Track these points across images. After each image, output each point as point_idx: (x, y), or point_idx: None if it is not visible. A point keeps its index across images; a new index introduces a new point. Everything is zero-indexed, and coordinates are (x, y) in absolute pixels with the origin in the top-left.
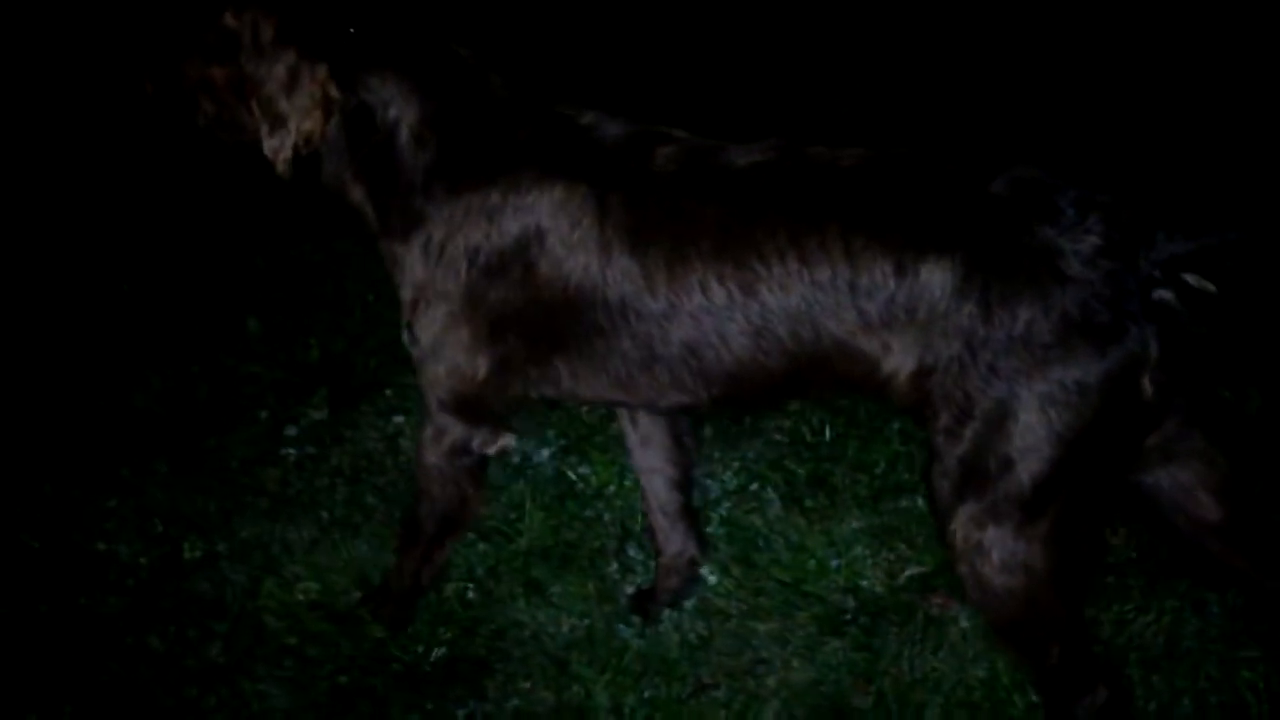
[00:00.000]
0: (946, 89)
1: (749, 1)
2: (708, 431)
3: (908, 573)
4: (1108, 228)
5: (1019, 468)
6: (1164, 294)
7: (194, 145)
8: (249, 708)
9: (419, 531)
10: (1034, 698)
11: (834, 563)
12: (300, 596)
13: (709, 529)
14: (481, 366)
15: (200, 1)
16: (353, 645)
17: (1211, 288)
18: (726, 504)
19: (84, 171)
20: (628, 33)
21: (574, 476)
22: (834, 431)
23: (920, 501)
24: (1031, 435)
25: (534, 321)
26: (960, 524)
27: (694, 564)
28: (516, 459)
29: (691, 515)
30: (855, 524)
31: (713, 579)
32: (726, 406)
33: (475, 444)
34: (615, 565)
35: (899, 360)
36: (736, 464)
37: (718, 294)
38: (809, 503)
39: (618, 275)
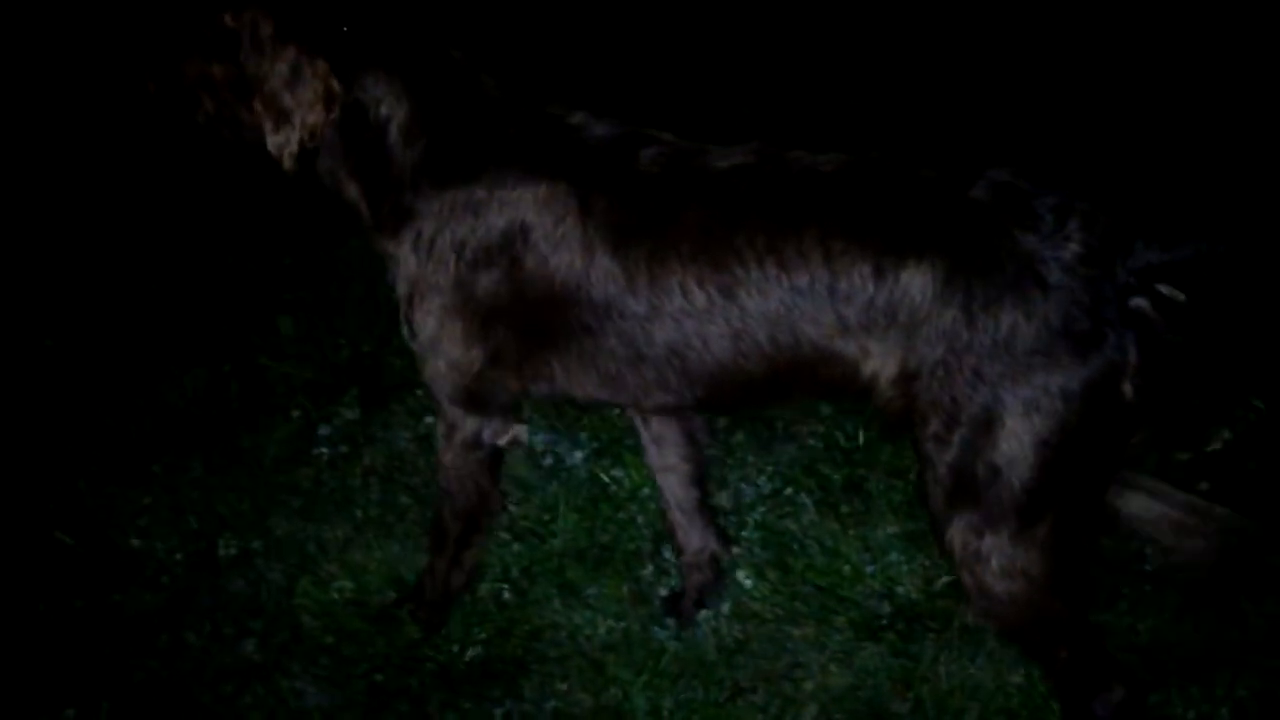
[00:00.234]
0: (925, 93)
1: (737, 7)
2: (739, 436)
3: (944, 579)
4: (1087, 235)
5: (1009, 475)
6: (1140, 302)
7: (215, 145)
8: (286, 705)
9: (445, 534)
10: None
11: (869, 568)
12: (336, 595)
13: (744, 533)
14: (476, 359)
15: (198, 1)
16: (388, 644)
17: (1181, 297)
18: (761, 508)
19: (116, 170)
20: (621, 35)
21: (607, 479)
22: (868, 436)
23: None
24: (1018, 442)
25: (522, 316)
26: (957, 532)
27: (716, 560)
28: (549, 460)
29: (709, 511)
30: (890, 529)
31: (748, 583)
32: (712, 407)
33: (486, 436)
34: (650, 568)
35: (879, 364)
36: (770, 469)
37: (698, 296)
38: (844, 508)
39: (601, 275)
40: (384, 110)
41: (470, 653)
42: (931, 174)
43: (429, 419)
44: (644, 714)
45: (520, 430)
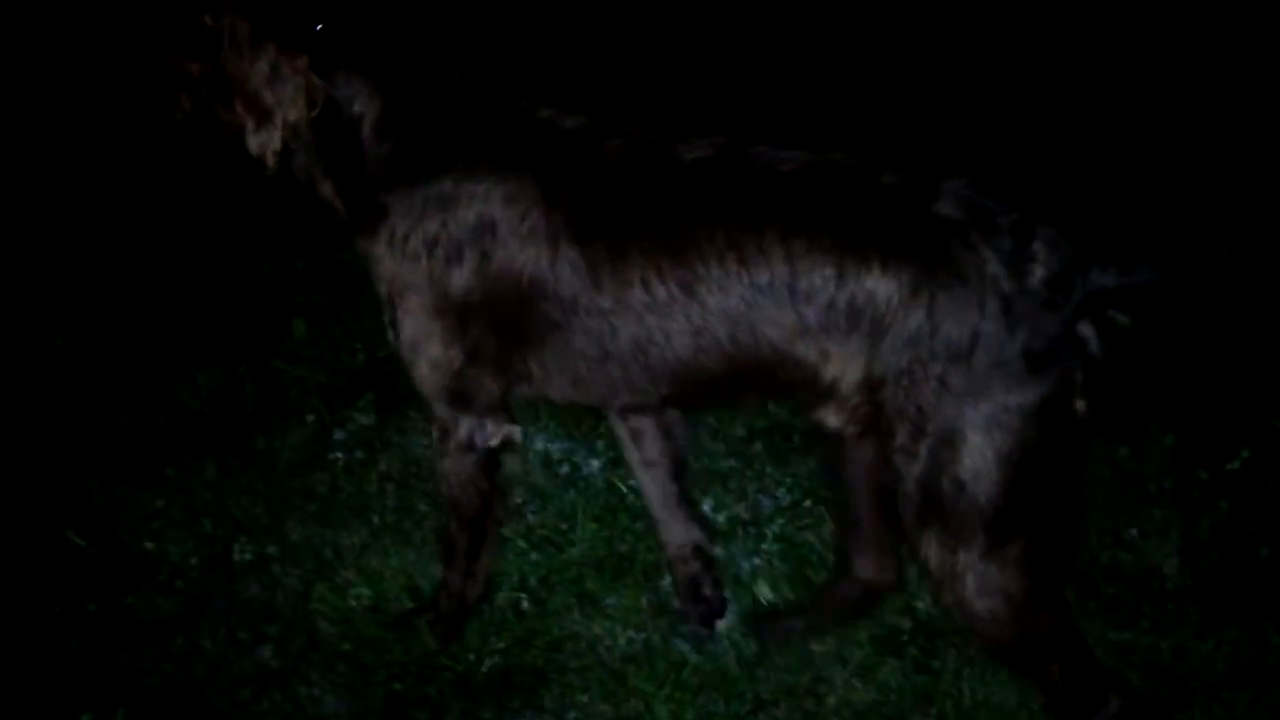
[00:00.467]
0: (886, 101)
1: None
2: (757, 447)
3: None
4: (1051, 259)
5: (974, 491)
6: (1085, 329)
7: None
8: (303, 712)
9: (455, 546)
10: None
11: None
12: (353, 602)
13: (763, 545)
14: (456, 358)
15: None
16: (406, 652)
17: (1127, 321)
18: (780, 520)
19: (129, 169)
20: (595, 31)
21: (624, 488)
22: None
23: None
24: (981, 458)
25: (495, 312)
26: (930, 549)
27: (701, 550)
28: (566, 469)
29: (690, 503)
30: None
31: (768, 595)
32: (678, 404)
33: (479, 438)
34: (669, 578)
35: (839, 368)
36: (789, 480)
37: (659, 291)
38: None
39: (565, 269)
40: (357, 108)
41: (489, 662)
42: (893, 180)
43: None
44: None
45: (513, 430)
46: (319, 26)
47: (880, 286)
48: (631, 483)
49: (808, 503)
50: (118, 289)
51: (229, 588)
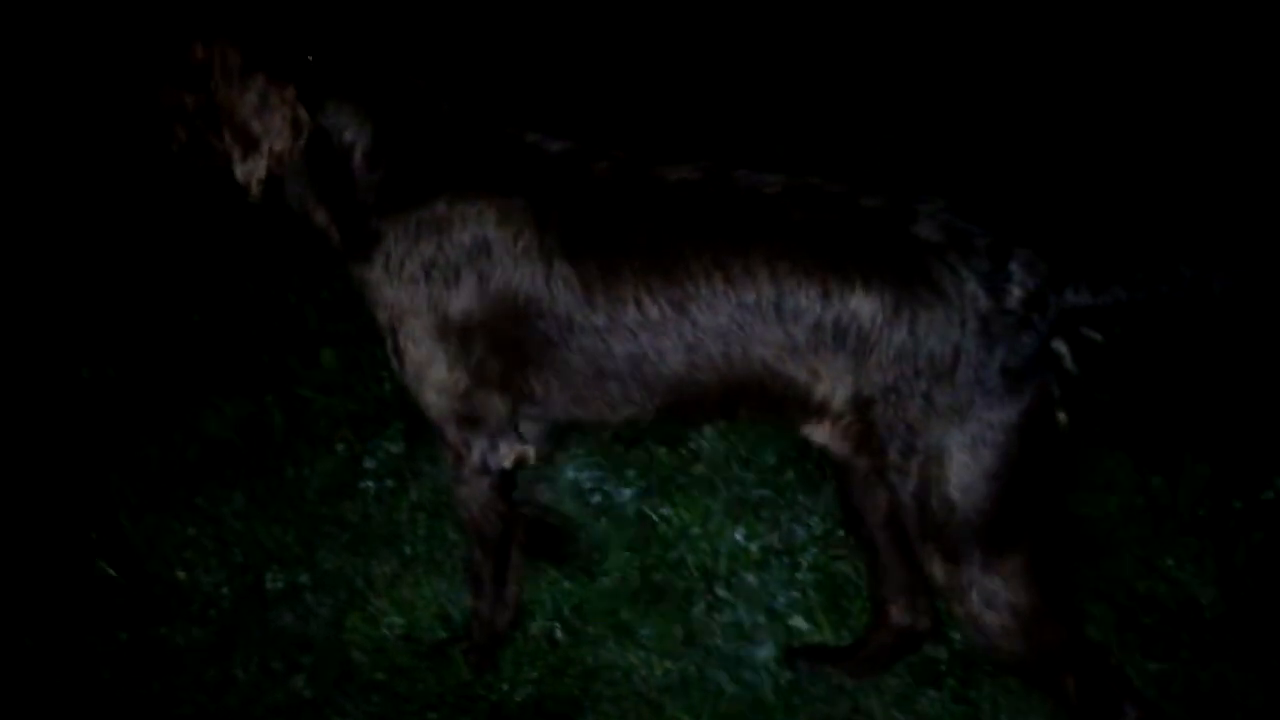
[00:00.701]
0: (866, 121)
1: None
2: (789, 476)
3: None
4: (1027, 278)
5: (964, 507)
6: (1059, 346)
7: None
8: None
9: (480, 574)
10: None
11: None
12: (386, 631)
13: (797, 575)
14: (461, 380)
15: (172, 31)
16: (440, 682)
17: (1100, 339)
18: (813, 550)
19: (155, 202)
20: (573, 58)
21: (656, 518)
22: None
23: None
24: (968, 474)
25: (494, 332)
26: (935, 566)
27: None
28: (597, 499)
29: None
30: None
31: (803, 625)
32: (673, 420)
33: (492, 460)
34: (702, 606)
35: (829, 387)
36: (822, 509)
37: (651, 309)
38: None
39: (560, 286)
40: (347, 137)
41: (523, 692)
42: (873, 202)
43: None
44: None
45: (526, 450)
46: (309, 57)
47: (864, 306)
48: (664, 511)
49: (841, 531)
50: (145, 320)
51: (262, 617)
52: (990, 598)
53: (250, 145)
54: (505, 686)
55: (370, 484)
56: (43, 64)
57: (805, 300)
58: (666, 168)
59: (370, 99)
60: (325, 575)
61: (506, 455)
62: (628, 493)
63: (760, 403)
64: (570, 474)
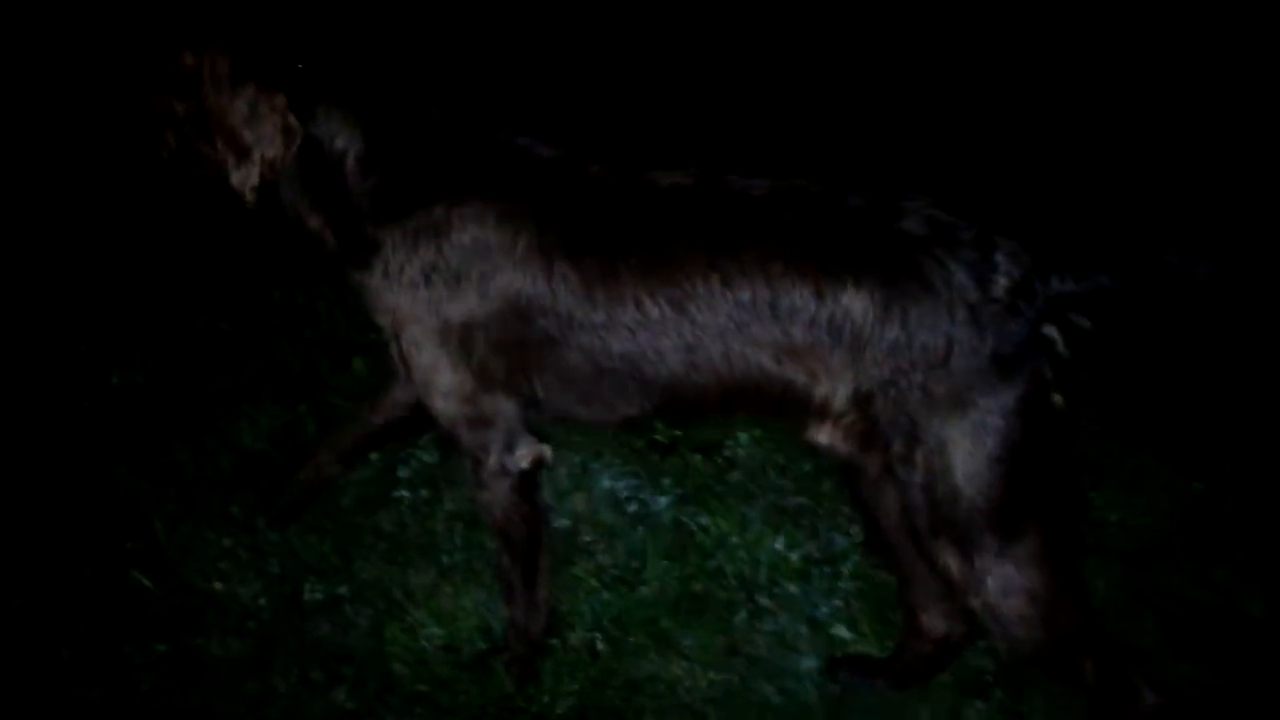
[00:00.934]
0: (840, 122)
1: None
2: (827, 485)
3: None
4: (1012, 268)
5: (972, 494)
6: (1050, 330)
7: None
8: None
9: (510, 580)
10: None
11: None
12: (426, 643)
13: (839, 584)
14: (466, 382)
15: (163, 38)
16: (482, 693)
17: (1088, 324)
18: (854, 557)
19: (184, 212)
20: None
21: (693, 526)
22: None
23: None
24: (972, 462)
25: (497, 333)
26: (948, 558)
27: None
28: (634, 507)
29: None
30: None
31: (846, 635)
32: (672, 420)
33: (509, 462)
34: (744, 616)
35: (829, 388)
36: (861, 516)
37: (650, 309)
38: None
39: (561, 285)
40: (339, 144)
41: (565, 704)
42: (859, 201)
43: None
44: None
45: (544, 449)
46: (299, 65)
47: (856, 303)
48: (702, 520)
49: None
50: (175, 327)
51: (300, 628)
52: (1006, 584)
53: (242, 153)
54: (546, 698)
55: (405, 493)
56: (57, 68)
57: (800, 299)
58: (658, 173)
59: (361, 105)
60: (363, 586)
61: (523, 456)
62: (664, 501)
63: (758, 404)
64: (606, 482)
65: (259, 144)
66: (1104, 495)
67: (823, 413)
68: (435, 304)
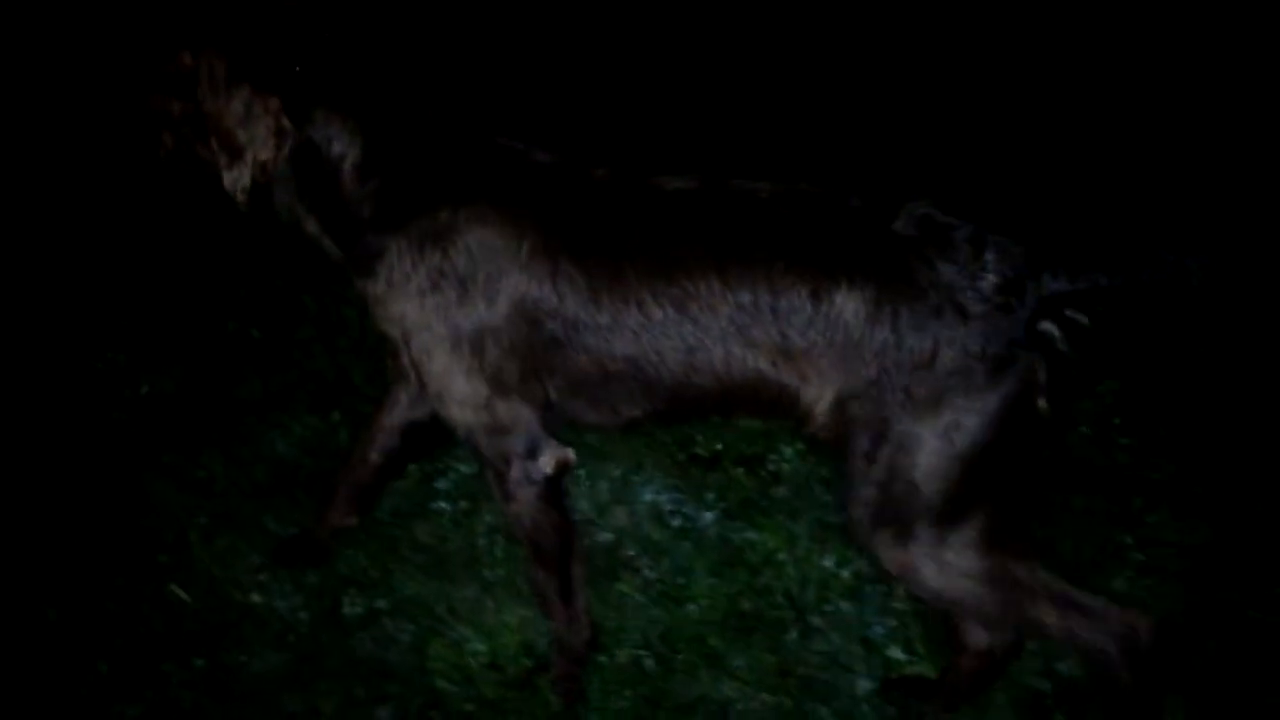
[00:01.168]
0: (840, 127)
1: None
2: None
3: None
4: (1002, 266)
5: (927, 489)
6: (1048, 326)
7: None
8: None
9: (546, 593)
10: None
11: (1029, 644)
12: (470, 660)
13: (893, 604)
14: (481, 389)
15: (162, 38)
16: (528, 713)
17: (1086, 321)
18: None
19: (217, 222)
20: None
21: (739, 542)
22: None
23: (1115, 584)
24: (936, 459)
25: (507, 337)
26: (884, 547)
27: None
28: (678, 521)
29: None
30: None
31: (901, 656)
32: (673, 421)
33: (533, 470)
34: (795, 635)
35: (816, 392)
36: None
37: (654, 311)
38: None
39: (567, 287)
40: (336, 148)
41: None
42: (859, 203)
43: None
44: None
45: (567, 453)
46: (297, 68)
47: (850, 304)
48: (748, 535)
49: None
50: (206, 336)
51: (342, 643)
52: (942, 570)
53: (235, 154)
54: (595, 718)
55: (444, 505)
56: (58, 69)
57: (797, 300)
58: (662, 177)
59: (359, 109)
60: (404, 600)
61: (547, 462)
62: (709, 516)
63: (755, 406)
64: (648, 496)
65: (252, 146)
66: (1160, 515)
67: (809, 415)
68: (444, 310)
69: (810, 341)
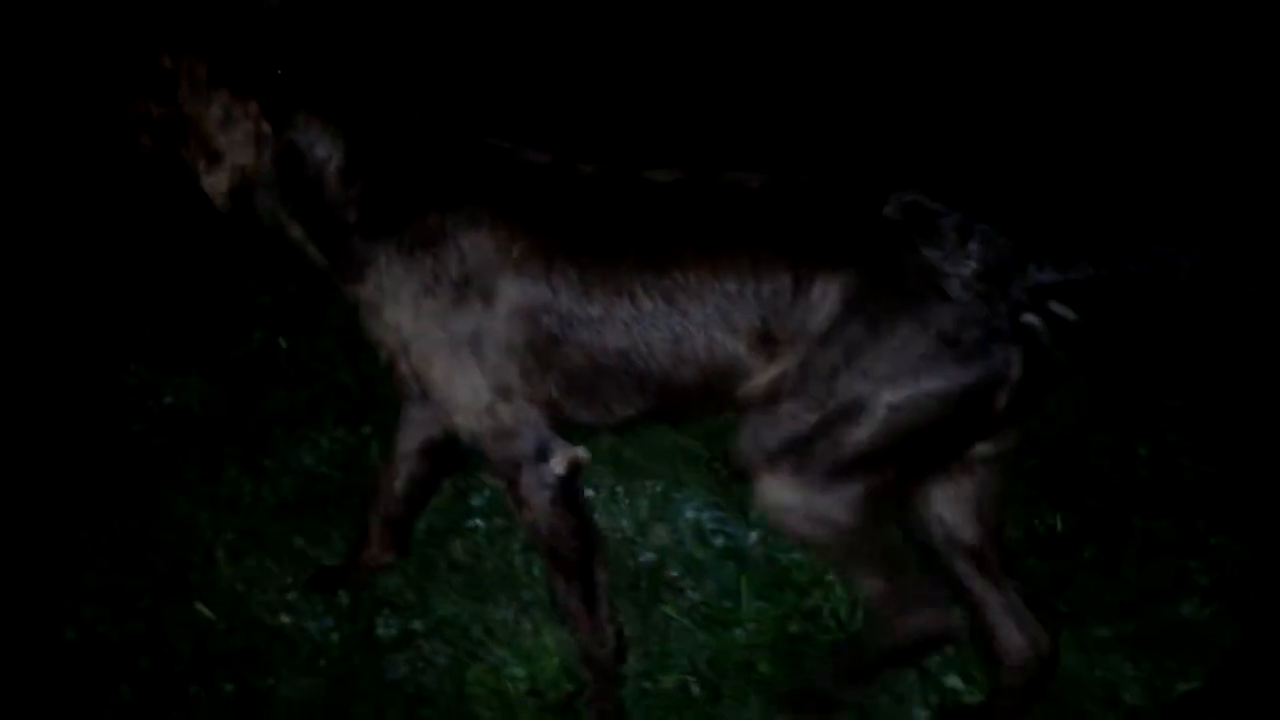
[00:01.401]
0: (835, 120)
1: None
2: None
3: (1179, 686)
4: (985, 254)
5: (850, 447)
6: (1031, 318)
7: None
8: None
9: (569, 602)
10: None
11: (1094, 672)
12: (509, 684)
13: None
14: (484, 393)
15: (142, 40)
16: None
17: (1072, 315)
18: None
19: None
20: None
21: (786, 562)
22: (1066, 528)
23: (1180, 610)
24: (876, 426)
25: (504, 338)
26: (769, 487)
27: None
28: (721, 541)
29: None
30: (1105, 631)
31: (959, 685)
32: (663, 419)
33: (545, 473)
34: None
35: (779, 367)
36: None
37: (644, 303)
38: (1055, 606)
39: (560, 284)
40: (319, 152)
41: None
42: (846, 191)
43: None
44: None
45: (579, 452)
46: (278, 71)
47: (829, 293)
48: (794, 555)
49: None
50: (230, 346)
51: (375, 666)
52: (810, 515)
53: (214, 159)
54: None
55: (479, 522)
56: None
57: (779, 285)
58: (652, 171)
59: (342, 113)
60: (440, 622)
61: (558, 463)
62: (754, 535)
63: (730, 397)
64: (689, 513)
65: (231, 150)
66: (1223, 538)
67: (752, 387)
68: (440, 316)
69: (787, 325)
